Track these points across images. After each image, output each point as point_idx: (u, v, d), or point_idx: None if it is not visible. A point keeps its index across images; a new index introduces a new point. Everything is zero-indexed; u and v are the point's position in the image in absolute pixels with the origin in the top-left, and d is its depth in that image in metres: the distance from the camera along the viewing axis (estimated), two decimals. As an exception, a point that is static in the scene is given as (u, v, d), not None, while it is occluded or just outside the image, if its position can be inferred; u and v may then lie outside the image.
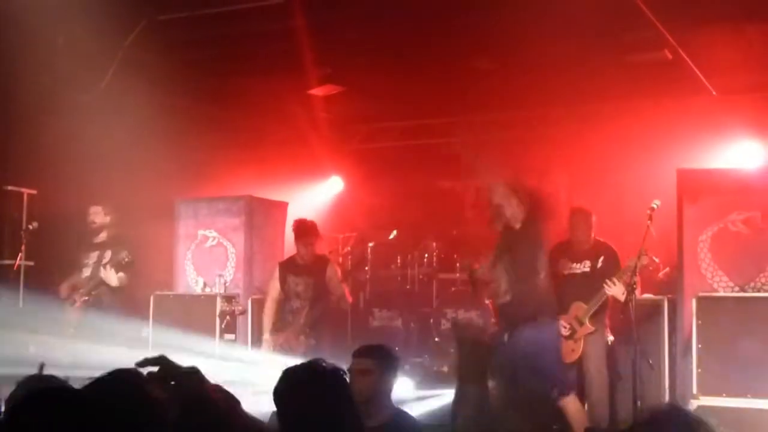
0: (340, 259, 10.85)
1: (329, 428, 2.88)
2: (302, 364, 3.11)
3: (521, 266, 7.15)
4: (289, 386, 2.98)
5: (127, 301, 9.11)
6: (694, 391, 7.25)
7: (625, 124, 10.78)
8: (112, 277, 8.84)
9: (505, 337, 7.19)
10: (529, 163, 11.24)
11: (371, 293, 11.32)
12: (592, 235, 7.80)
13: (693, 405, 7.20)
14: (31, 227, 8.85)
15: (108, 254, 8.94)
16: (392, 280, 11.61)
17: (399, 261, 11.63)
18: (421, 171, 12.47)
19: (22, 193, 9.34)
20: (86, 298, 8.92)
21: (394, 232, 11.27)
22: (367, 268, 11.17)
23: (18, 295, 9.07)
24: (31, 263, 9.14)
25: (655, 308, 7.92)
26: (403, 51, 9.67)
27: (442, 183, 12.87)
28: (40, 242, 9.05)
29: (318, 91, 11.05)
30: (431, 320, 10.84)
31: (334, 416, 2.90)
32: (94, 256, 9.06)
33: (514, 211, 7.12)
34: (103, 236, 9.14)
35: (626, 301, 6.98)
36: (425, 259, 11.44)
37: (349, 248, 11.28)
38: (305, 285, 8.39)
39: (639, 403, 6.97)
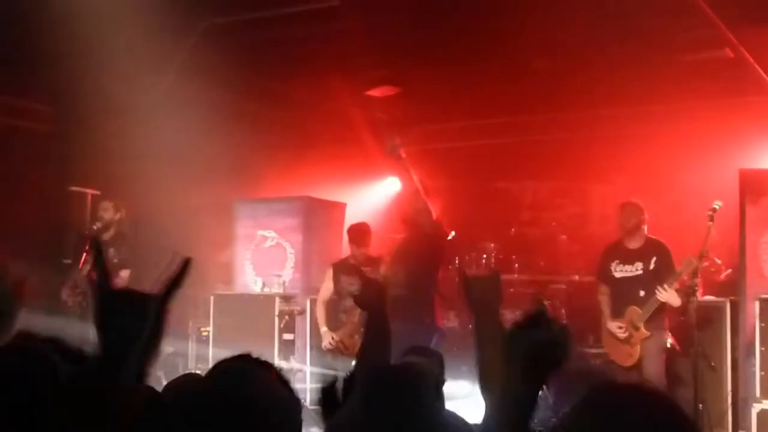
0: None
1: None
2: (395, 366, 3.08)
3: (421, 267, 7.43)
4: (381, 387, 2.92)
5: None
6: (757, 394, 7.16)
7: (686, 124, 10.64)
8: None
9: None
10: (588, 164, 11.18)
11: (428, 294, 11.29)
12: (644, 231, 7.68)
13: (756, 408, 7.11)
14: (95, 227, 8.98)
15: (111, 252, 8.60)
16: (449, 281, 11.56)
17: (456, 262, 11.60)
18: (479, 172, 12.44)
19: (86, 194, 9.49)
20: (80, 298, 8.61)
21: (452, 233, 11.23)
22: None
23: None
24: (95, 262, 9.29)
25: (716, 310, 7.82)
26: (460, 52, 9.65)
27: (499, 184, 12.82)
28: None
29: (375, 93, 11.09)
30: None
31: (426, 417, 2.85)
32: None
33: (428, 215, 7.45)
34: (110, 233, 8.89)
35: (686, 304, 6.91)
36: (483, 260, 11.41)
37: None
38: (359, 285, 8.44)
39: (701, 406, 6.88)
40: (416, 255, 7.37)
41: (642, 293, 7.43)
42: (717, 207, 7.28)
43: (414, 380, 2.94)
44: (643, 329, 7.36)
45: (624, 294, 7.58)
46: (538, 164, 12.00)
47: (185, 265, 1.90)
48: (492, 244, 11.36)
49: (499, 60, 9.77)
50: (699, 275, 7.06)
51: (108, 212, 8.89)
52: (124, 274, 8.57)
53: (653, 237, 7.69)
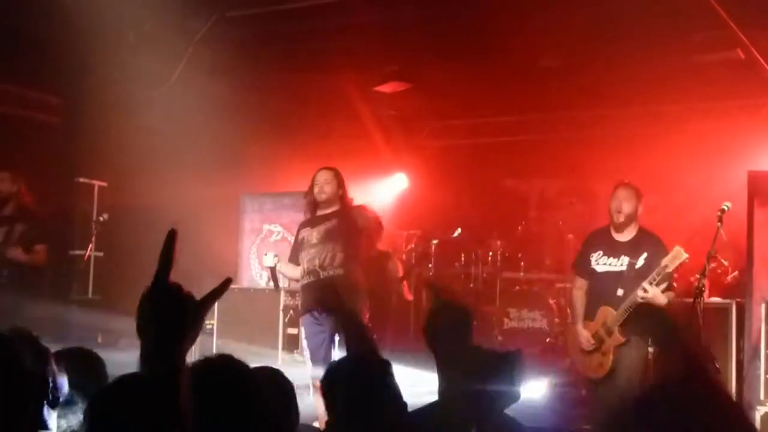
0: (404, 256, 10.85)
1: (373, 417, 2.90)
2: (346, 357, 3.15)
3: (353, 245, 6.94)
4: (335, 379, 3.01)
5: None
6: (761, 396, 7.13)
7: (695, 124, 10.63)
8: (20, 254, 7.68)
9: (315, 313, 6.86)
10: (596, 163, 11.16)
11: (434, 291, 11.30)
12: (638, 221, 6.65)
13: (760, 411, 7.08)
14: (101, 219, 8.98)
15: (18, 228, 7.76)
16: (456, 278, 11.58)
17: (463, 259, 11.60)
18: (487, 169, 12.44)
19: (93, 185, 9.51)
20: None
21: (459, 230, 11.26)
22: (430, 265, 11.16)
23: (88, 285, 9.26)
24: (101, 254, 9.30)
25: (722, 312, 7.78)
26: (471, 48, 9.63)
27: (507, 182, 12.81)
28: (110, 233, 9.20)
29: (385, 88, 11.07)
30: (494, 319, 10.80)
31: (377, 405, 2.93)
32: (2, 232, 7.81)
33: (335, 193, 7.03)
34: (9, 208, 7.91)
35: (693, 305, 6.83)
36: (489, 258, 11.41)
37: (412, 245, 11.29)
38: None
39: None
40: (348, 231, 6.93)
41: (620, 292, 6.41)
42: (726, 208, 7.20)
43: (362, 371, 3.01)
44: (617, 334, 6.36)
45: (600, 292, 6.58)
46: (547, 162, 12.00)
47: (226, 282, 2.00)
48: (498, 242, 11.37)
49: (509, 58, 9.76)
50: (707, 276, 6.99)
51: (5, 183, 7.89)
52: (41, 248, 7.81)
53: (648, 230, 6.74)
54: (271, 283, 7.46)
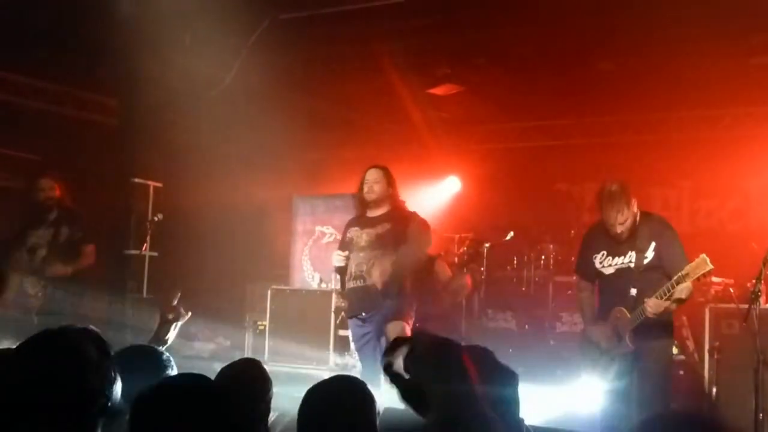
0: (456, 259, 10.83)
1: None
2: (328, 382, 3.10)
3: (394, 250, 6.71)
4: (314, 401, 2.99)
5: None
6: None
7: (752, 128, 10.47)
8: (61, 269, 7.65)
9: (363, 314, 6.78)
10: (650, 167, 11.04)
11: (486, 294, 11.27)
12: (634, 208, 6.02)
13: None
14: (156, 219, 9.08)
15: (64, 231, 7.78)
16: (507, 281, 11.53)
17: (515, 262, 11.54)
18: (540, 173, 12.37)
19: (148, 186, 9.61)
20: (42, 291, 7.60)
21: (511, 233, 11.18)
22: (482, 268, 11.12)
23: (142, 285, 9.37)
24: (155, 254, 9.41)
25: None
26: (523, 52, 9.60)
27: (560, 185, 12.73)
28: (164, 233, 9.30)
29: (438, 91, 11.06)
30: (546, 323, 10.73)
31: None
32: (47, 234, 7.78)
33: (384, 193, 6.86)
34: (54, 213, 7.93)
35: (749, 310, 6.72)
36: (542, 262, 11.33)
37: (464, 248, 11.26)
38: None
39: (762, 416, 6.74)
40: (398, 238, 6.74)
41: (633, 291, 5.93)
42: (783, 213, 7.10)
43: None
44: (627, 341, 5.92)
45: (612, 292, 6.13)
46: (601, 166, 11.90)
47: None
48: (551, 245, 11.30)
49: (563, 61, 9.70)
50: (763, 281, 6.88)
51: (54, 190, 7.90)
52: (90, 249, 7.80)
53: (648, 212, 6.22)
54: (339, 285, 7.33)
